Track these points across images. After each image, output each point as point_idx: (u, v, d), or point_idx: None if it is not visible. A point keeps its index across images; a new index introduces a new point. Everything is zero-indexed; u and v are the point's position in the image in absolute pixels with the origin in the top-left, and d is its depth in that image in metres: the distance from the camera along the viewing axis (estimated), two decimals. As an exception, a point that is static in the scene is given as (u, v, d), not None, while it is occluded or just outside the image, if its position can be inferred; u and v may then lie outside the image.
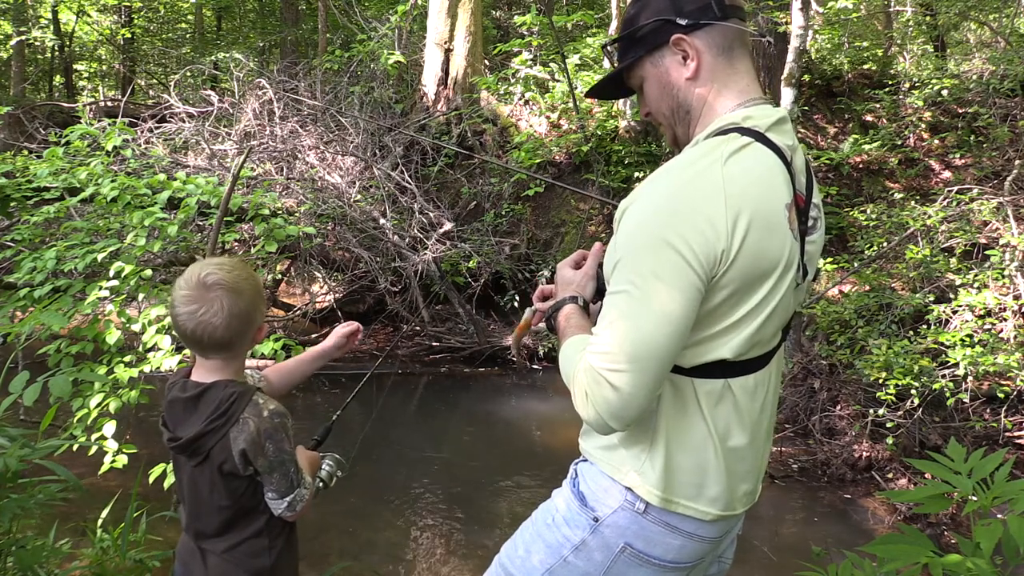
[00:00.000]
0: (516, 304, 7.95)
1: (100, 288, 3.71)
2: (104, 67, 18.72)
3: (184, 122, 8.31)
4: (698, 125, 1.39)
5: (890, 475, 4.98)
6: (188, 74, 12.18)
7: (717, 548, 1.47)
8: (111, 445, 3.32)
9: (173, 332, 3.57)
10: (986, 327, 5.24)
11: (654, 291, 1.22)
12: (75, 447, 3.20)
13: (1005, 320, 5.38)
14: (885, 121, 8.75)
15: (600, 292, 1.52)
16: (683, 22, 1.34)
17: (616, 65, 1.48)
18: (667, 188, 1.26)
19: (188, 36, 18.30)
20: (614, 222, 1.35)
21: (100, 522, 3.14)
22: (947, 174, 8.19)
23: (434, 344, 7.71)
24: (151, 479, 3.30)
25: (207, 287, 1.52)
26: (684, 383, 1.33)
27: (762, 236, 1.25)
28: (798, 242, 1.33)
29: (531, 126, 9.12)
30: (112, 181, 4.22)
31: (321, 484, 1.72)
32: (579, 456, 1.52)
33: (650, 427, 1.35)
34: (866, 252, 6.54)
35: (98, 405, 3.33)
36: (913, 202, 6.86)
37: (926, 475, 4.18)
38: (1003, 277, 5.56)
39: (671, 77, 1.38)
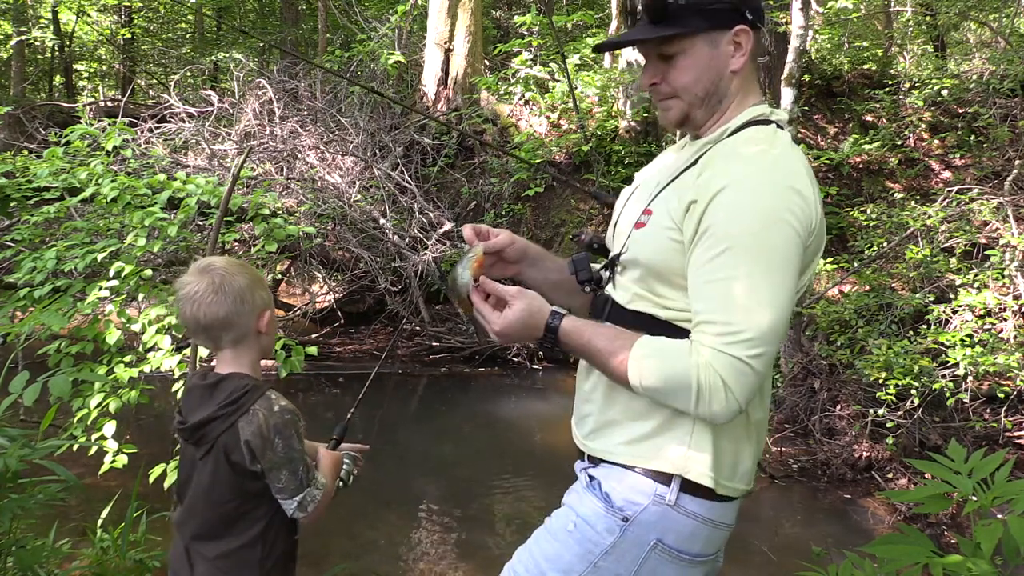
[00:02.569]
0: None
1: (100, 288, 3.70)
2: (104, 67, 18.71)
3: (184, 122, 8.31)
4: (723, 116, 1.42)
5: (890, 475, 4.98)
6: (188, 74, 12.18)
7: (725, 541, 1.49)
8: (111, 445, 3.31)
9: (173, 332, 3.58)
10: (986, 327, 5.24)
11: (779, 268, 1.25)
12: (75, 447, 3.19)
13: (1005, 320, 5.38)
14: (885, 121, 8.75)
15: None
16: (750, 17, 1.36)
17: (648, 19, 1.38)
18: (763, 169, 1.30)
19: (188, 36, 18.30)
20: (678, 210, 1.33)
21: (100, 522, 3.14)
22: (947, 174, 8.20)
23: (434, 344, 7.71)
24: (151, 479, 3.29)
25: (202, 271, 1.60)
26: None
27: (822, 215, 1.34)
28: None
29: (531, 126, 9.11)
30: (112, 181, 4.21)
31: (340, 483, 1.73)
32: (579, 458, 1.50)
33: None
34: (866, 252, 6.54)
35: (98, 405, 3.33)
36: (913, 202, 6.85)
37: (926, 475, 4.17)
38: (1003, 277, 5.56)
39: (720, 63, 1.38)
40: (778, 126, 1.39)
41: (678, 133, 1.57)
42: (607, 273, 1.50)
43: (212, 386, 1.59)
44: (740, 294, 1.24)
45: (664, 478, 1.36)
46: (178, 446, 1.70)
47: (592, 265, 1.52)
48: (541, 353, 7.43)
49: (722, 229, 1.26)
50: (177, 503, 1.65)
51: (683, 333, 1.34)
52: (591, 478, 1.44)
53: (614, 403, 1.43)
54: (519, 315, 1.38)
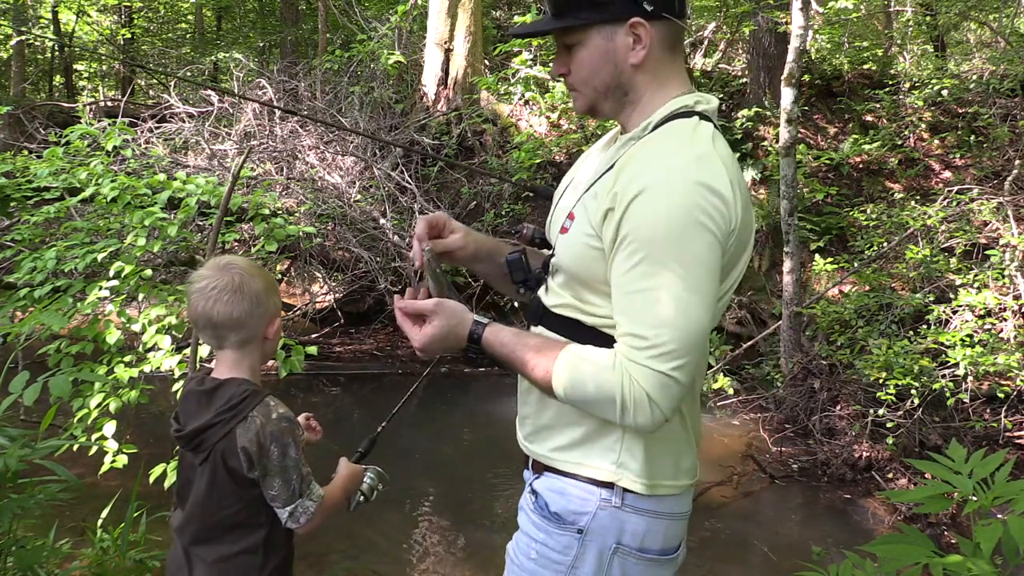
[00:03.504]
0: (516, 304, 7.93)
1: (100, 288, 3.70)
2: (104, 67, 18.70)
3: (184, 122, 8.31)
4: (641, 109, 1.37)
5: (890, 475, 4.98)
6: (188, 74, 12.16)
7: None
8: (111, 445, 3.32)
9: (173, 332, 3.58)
10: (986, 327, 5.24)
11: (700, 276, 1.21)
12: (75, 447, 3.20)
13: (1005, 320, 5.38)
14: (885, 121, 8.74)
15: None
16: (649, 8, 1.30)
17: (551, 12, 1.36)
18: (678, 170, 1.23)
19: (188, 36, 18.30)
20: (596, 216, 1.29)
21: (100, 522, 3.14)
22: (947, 174, 8.19)
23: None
24: (151, 479, 3.29)
25: (221, 268, 1.58)
26: None
27: (747, 210, 1.29)
28: None
29: (531, 126, 9.11)
30: (112, 181, 4.21)
31: (362, 498, 1.72)
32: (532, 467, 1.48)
33: None
34: (866, 252, 6.54)
35: (98, 405, 3.33)
36: (913, 202, 6.86)
37: (926, 475, 4.18)
38: (1003, 277, 5.57)
39: (618, 57, 1.33)
40: (703, 116, 1.33)
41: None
42: (544, 274, 1.48)
43: (210, 392, 1.56)
44: (659, 306, 1.20)
45: (605, 482, 1.36)
46: (178, 447, 1.69)
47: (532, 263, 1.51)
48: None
49: (638, 237, 1.22)
50: (176, 505, 1.64)
51: (610, 340, 1.31)
52: (535, 496, 1.42)
53: (547, 407, 1.41)
54: (438, 330, 1.37)
